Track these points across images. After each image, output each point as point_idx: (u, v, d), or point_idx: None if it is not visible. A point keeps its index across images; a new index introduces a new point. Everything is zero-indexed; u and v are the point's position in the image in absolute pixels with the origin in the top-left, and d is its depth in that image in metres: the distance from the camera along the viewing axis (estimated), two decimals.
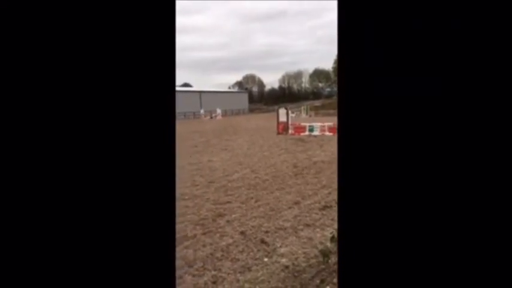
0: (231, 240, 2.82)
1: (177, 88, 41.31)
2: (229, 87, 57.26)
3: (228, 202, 3.95)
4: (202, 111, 30.97)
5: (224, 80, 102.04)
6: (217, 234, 2.97)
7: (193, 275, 2.27)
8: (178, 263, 2.46)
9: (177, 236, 2.98)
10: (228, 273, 2.26)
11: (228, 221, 3.31)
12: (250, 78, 61.80)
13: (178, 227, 3.19)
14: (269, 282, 2.11)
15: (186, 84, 49.04)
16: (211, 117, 26.13)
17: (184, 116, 31.38)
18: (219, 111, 27.75)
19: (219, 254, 2.57)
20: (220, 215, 3.49)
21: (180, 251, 2.66)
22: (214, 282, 2.16)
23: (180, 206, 3.89)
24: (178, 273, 2.31)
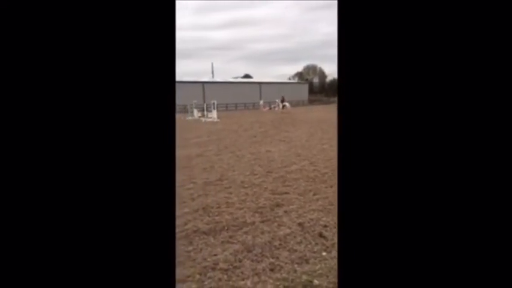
0: (288, 231, 2.84)
1: (238, 79, 42.42)
2: (289, 78, 56.75)
3: (286, 193, 3.97)
4: (261, 102, 31.33)
5: (285, 71, 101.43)
6: (275, 224, 3.02)
7: (252, 260, 2.35)
8: (238, 246, 2.57)
9: (237, 221, 3.11)
10: (286, 263, 2.29)
11: (285, 212, 3.33)
12: (311, 69, 60.37)
13: (238, 212, 3.32)
14: (327, 276, 2.08)
15: (246, 76, 49.96)
16: (270, 108, 26.26)
17: (244, 106, 32.12)
18: (285, 103, 26.89)
19: (276, 243, 2.61)
20: (278, 205, 3.53)
21: (239, 236, 2.77)
22: (271, 270, 2.21)
23: (240, 193, 4.04)
24: (238, 256, 2.42)
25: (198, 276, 2.16)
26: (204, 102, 23.04)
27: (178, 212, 3.39)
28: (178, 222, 3.12)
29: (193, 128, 13.12)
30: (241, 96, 32.53)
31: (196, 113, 20.22)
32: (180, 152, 7.27)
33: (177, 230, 2.93)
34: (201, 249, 2.55)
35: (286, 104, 25.39)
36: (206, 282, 2.09)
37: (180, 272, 2.22)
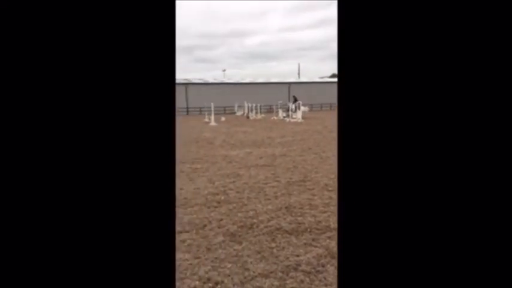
0: None
1: (325, 79, 41.44)
2: None
3: None
4: None
5: None
6: None
7: (336, 268, 2.26)
8: (321, 251, 2.51)
9: (320, 225, 3.03)
10: None
11: None
12: None
13: (321, 216, 3.25)
14: None
15: (334, 75, 48.38)
16: None
17: (330, 107, 31.24)
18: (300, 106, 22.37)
19: None
20: None
21: (322, 240, 2.71)
22: None
23: (324, 195, 3.93)
24: (321, 261, 2.36)
25: (280, 274, 2.19)
26: (289, 102, 22.80)
27: (263, 208, 3.50)
28: (262, 218, 3.23)
29: (278, 128, 13.35)
30: (327, 96, 31.74)
31: (281, 113, 20.54)
32: (265, 151, 7.49)
33: (261, 226, 3.03)
34: (283, 248, 2.58)
35: (301, 106, 19.09)
36: (288, 282, 2.11)
37: (263, 267, 2.29)
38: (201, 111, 26.87)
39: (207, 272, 2.23)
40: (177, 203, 3.76)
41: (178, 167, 5.78)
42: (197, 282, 2.11)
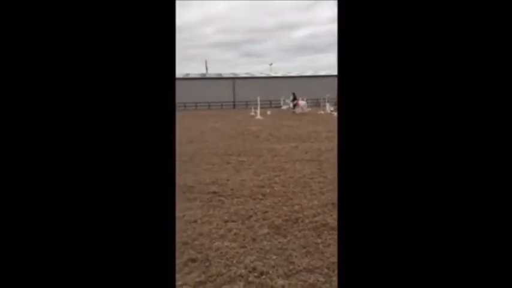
0: None
1: None
2: None
3: None
4: None
5: None
6: None
7: None
8: None
9: None
10: None
11: None
12: None
13: None
14: None
15: None
16: None
17: None
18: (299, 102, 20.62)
19: None
20: None
21: None
22: None
23: None
24: None
25: (326, 270, 2.16)
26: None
27: (309, 203, 3.46)
28: (308, 213, 3.19)
29: (325, 122, 13.03)
30: None
31: (329, 107, 19.99)
32: (311, 145, 7.37)
33: (306, 221, 3.01)
34: (329, 244, 2.53)
35: (301, 103, 18.92)
36: (334, 278, 2.07)
37: (308, 262, 2.28)
38: (247, 105, 27.24)
39: (252, 262, 2.28)
40: (224, 193, 3.89)
41: (225, 159, 5.96)
42: (243, 271, 2.17)
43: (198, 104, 29.49)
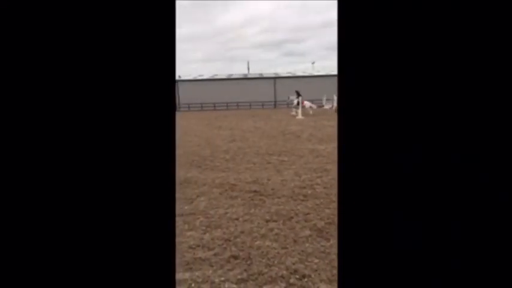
0: None
1: None
2: None
3: None
4: None
5: None
6: None
7: None
8: None
9: None
10: None
11: None
12: None
13: None
14: None
15: None
16: None
17: None
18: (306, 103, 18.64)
19: None
20: None
21: None
22: None
23: None
24: None
25: None
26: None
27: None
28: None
29: None
30: None
31: None
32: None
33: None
34: None
35: (308, 104, 17.67)
36: None
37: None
38: (288, 104, 27.15)
39: (294, 264, 2.25)
40: (265, 193, 3.90)
41: (266, 159, 5.97)
42: (284, 272, 2.15)
43: (239, 104, 30.01)
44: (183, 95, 29.95)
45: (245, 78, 33.52)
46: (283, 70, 35.74)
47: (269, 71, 31.12)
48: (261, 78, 33.04)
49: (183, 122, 15.31)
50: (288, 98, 23.40)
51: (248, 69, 39.09)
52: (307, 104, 18.21)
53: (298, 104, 17.82)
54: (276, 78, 31.35)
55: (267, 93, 31.24)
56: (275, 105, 29.64)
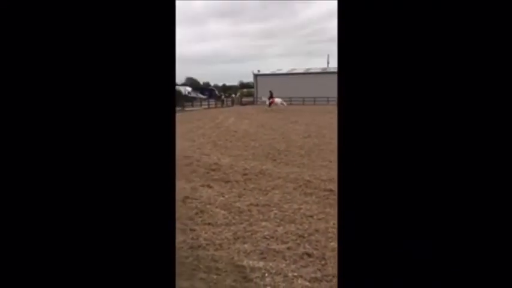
0: None
1: None
2: None
3: None
4: None
5: None
6: None
7: None
8: None
9: None
10: None
11: None
12: None
13: None
14: None
15: None
16: None
17: None
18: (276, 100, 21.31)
19: None
20: None
21: None
22: None
23: None
24: None
25: None
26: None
27: None
28: None
29: None
30: None
31: None
32: None
33: None
34: None
35: (278, 100, 20.47)
36: None
37: None
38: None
39: None
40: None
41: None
42: None
43: (316, 99, 29.41)
44: (260, 89, 30.70)
45: (324, 73, 32.62)
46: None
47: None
48: None
49: (259, 115, 15.71)
50: (261, 98, 26.15)
51: (328, 63, 37.91)
52: (277, 100, 21.06)
53: (269, 104, 20.84)
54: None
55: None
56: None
